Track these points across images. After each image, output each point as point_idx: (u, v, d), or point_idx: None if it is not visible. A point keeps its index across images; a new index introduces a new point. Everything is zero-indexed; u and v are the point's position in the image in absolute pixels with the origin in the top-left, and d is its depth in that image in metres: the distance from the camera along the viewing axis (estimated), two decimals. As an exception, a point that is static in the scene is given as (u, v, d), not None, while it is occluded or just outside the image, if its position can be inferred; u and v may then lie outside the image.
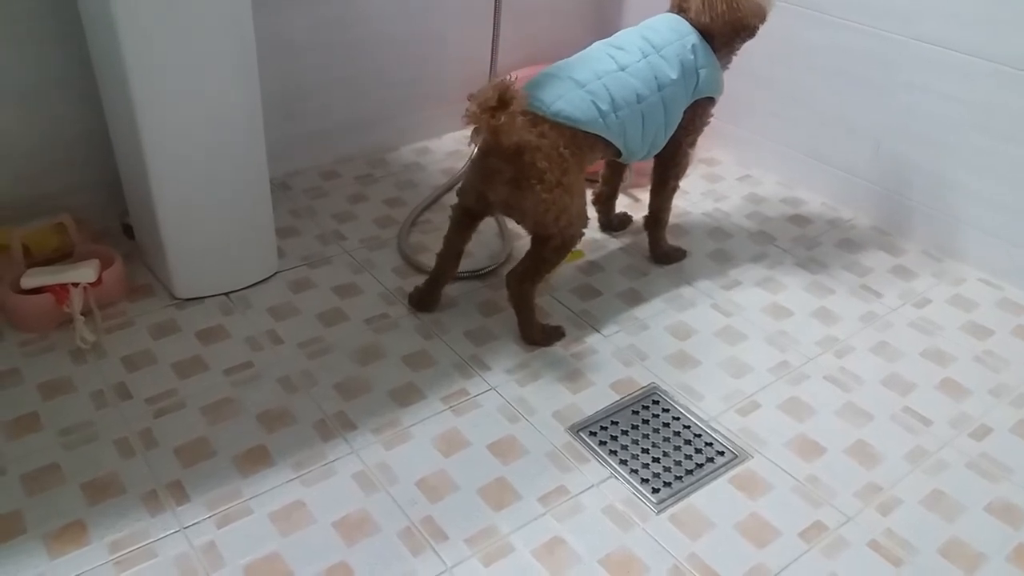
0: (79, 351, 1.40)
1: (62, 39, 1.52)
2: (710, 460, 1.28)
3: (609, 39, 1.49)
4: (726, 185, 2.03)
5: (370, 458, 1.24)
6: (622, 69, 1.42)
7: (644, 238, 1.73)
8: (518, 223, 1.41)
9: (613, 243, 1.79)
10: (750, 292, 1.66)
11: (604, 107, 1.38)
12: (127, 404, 1.31)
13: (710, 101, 1.56)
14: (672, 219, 1.72)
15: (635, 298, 1.62)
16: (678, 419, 1.35)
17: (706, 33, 1.50)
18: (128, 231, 1.66)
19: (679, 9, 1.52)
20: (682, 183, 1.66)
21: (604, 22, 2.32)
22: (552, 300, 1.60)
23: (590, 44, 1.49)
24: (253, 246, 1.56)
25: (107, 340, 1.43)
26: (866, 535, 1.18)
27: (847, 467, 1.28)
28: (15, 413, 1.28)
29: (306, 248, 1.71)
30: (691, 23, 1.50)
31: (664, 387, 1.41)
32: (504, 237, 1.76)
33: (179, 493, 1.17)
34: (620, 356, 1.47)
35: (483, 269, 1.66)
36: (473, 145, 1.30)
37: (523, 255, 1.44)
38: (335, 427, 1.29)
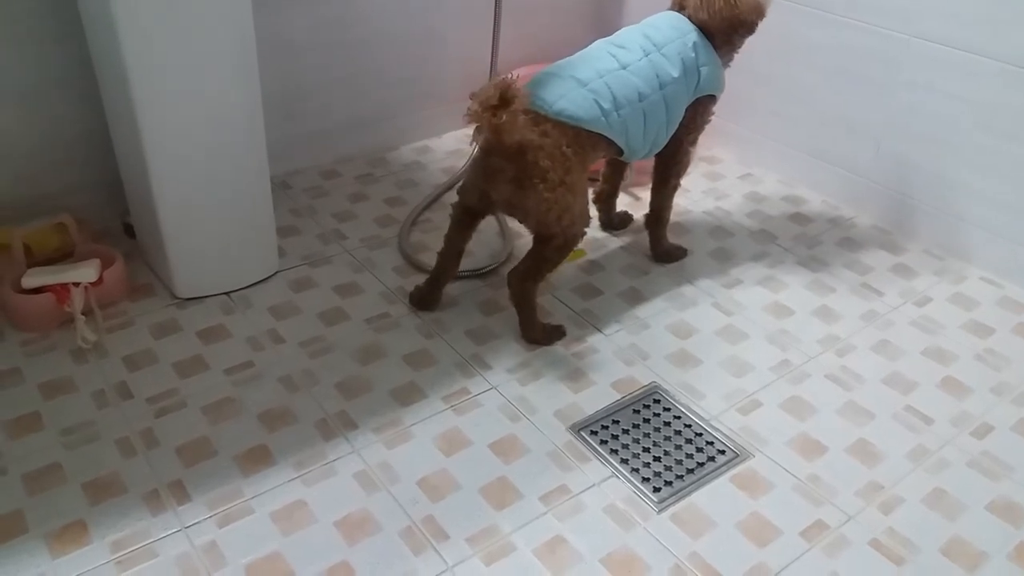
0: (80, 351, 1.40)
1: (62, 39, 1.52)
2: (711, 459, 1.28)
3: (610, 37, 1.49)
4: (727, 183, 2.03)
5: (371, 457, 1.24)
6: (624, 67, 1.42)
7: (645, 237, 1.72)
8: (520, 222, 1.40)
9: (614, 242, 1.79)
10: (751, 291, 1.66)
11: (606, 106, 1.38)
12: (128, 404, 1.31)
13: (711, 99, 1.56)
14: (673, 217, 1.72)
15: (636, 297, 1.62)
16: (679, 418, 1.35)
17: (706, 31, 1.49)
18: (129, 230, 1.66)
19: (679, 7, 1.52)
20: (683, 181, 1.66)
21: (604, 20, 2.32)
22: (553, 299, 1.60)
23: (590, 43, 1.48)
24: (254, 245, 1.56)
25: (108, 340, 1.43)
26: (867, 534, 1.18)
27: (848, 466, 1.28)
28: (16, 413, 1.28)
29: (307, 247, 1.71)
30: (692, 21, 1.49)
31: (665, 386, 1.41)
32: (505, 236, 1.76)
33: (180, 493, 1.17)
34: (621, 355, 1.47)
35: (484, 268, 1.66)
36: (474, 144, 1.30)
37: (524, 254, 1.44)
38: (336, 426, 1.29)
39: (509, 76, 1.22)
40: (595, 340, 1.50)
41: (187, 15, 1.28)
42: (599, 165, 1.71)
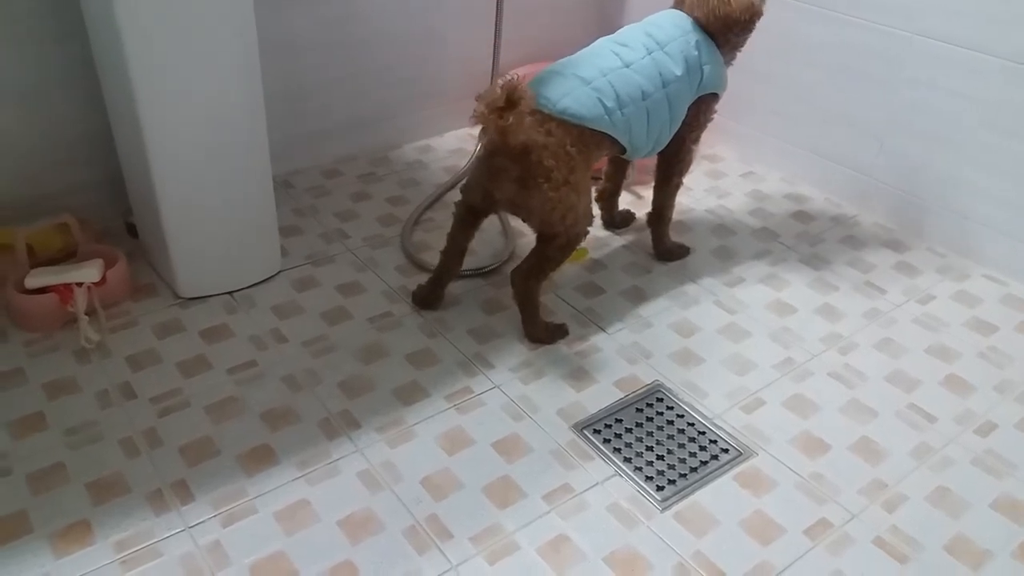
0: (83, 351, 1.40)
1: (64, 38, 1.52)
2: (714, 457, 1.28)
3: (613, 36, 1.48)
4: (729, 182, 2.03)
5: (374, 456, 1.25)
6: (627, 66, 1.42)
7: (647, 235, 1.72)
8: (524, 221, 1.40)
9: (616, 240, 1.79)
10: (754, 289, 1.65)
11: (610, 104, 1.38)
12: (132, 403, 1.31)
13: (714, 97, 1.55)
14: (675, 216, 1.72)
15: (639, 295, 1.62)
16: (682, 416, 1.35)
17: (707, 29, 1.49)
18: (132, 230, 1.66)
19: (682, 5, 1.52)
20: (685, 179, 1.65)
21: (606, 19, 2.32)
22: (556, 298, 1.60)
23: (592, 41, 1.48)
24: (256, 245, 1.56)
25: (111, 340, 1.43)
26: (871, 532, 1.18)
27: (852, 464, 1.28)
28: (20, 413, 1.28)
29: (309, 247, 1.71)
30: (694, 19, 1.49)
31: (668, 385, 1.41)
32: (507, 235, 1.76)
33: (184, 492, 1.17)
34: (624, 354, 1.47)
35: (486, 267, 1.66)
36: (479, 144, 1.30)
37: (527, 253, 1.44)
38: (339, 426, 1.29)
39: (515, 77, 1.22)
40: (598, 339, 1.50)
41: (189, 15, 1.28)
42: (602, 163, 1.71)
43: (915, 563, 1.14)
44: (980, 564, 1.14)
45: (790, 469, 1.27)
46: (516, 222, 1.77)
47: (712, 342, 1.51)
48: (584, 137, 1.37)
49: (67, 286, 1.43)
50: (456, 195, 1.49)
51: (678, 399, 1.38)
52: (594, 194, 1.75)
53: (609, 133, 1.40)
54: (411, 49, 2.01)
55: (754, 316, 1.58)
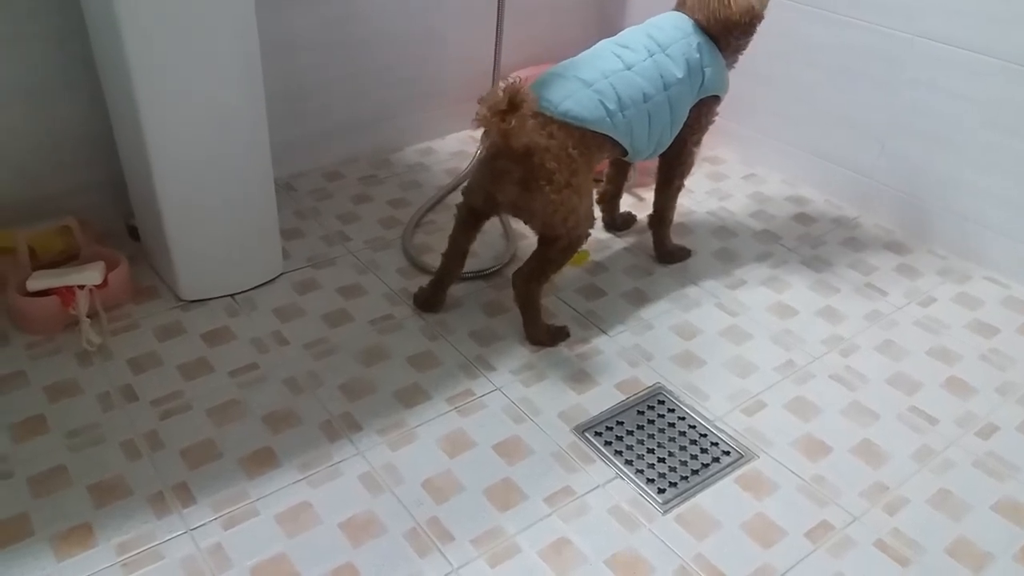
0: (85, 353, 1.41)
1: (65, 40, 1.52)
2: (716, 460, 1.28)
3: (615, 38, 1.48)
4: (730, 184, 2.03)
5: (376, 459, 1.25)
6: (628, 68, 1.42)
7: (648, 237, 1.72)
8: (526, 223, 1.40)
9: (618, 243, 1.79)
10: (755, 291, 1.65)
11: (611, 106, 1.38)
12: (133, 406, 1.31)
13: (715, 100, 1.55)
14: (676, 218, 1.72)
15: (640, 298, 1.62)
16: (683, 419, 1.35)
17: (708, 31, 1.49)
18: (133, 233, 1.66)
19: (683, 7, 1.52)
20: (686, 182, 1.65)
21: (607, 21, 2.32)
22: (557, 300, 1.60)
23: (593, 43, 1.48)
24: (258, 247, 1.56)
25: (113, 342, 1.44)
26: (872, 535, 1.18)
27: (853, 466, 1.28)
28: (22, 415, 1.29)
29: (311, 249, 1.71)
30: (695, 22, 1.49)
31: (669, 387, 1.41)
32: (509, 237, 1.76)
33: (185, 495, 1.17)
34: (625, 356, 1.47)
35: (488, 269, 1.66)
36: (481, 147, 1.30)
37: (529, 255, 1.44)
38: (341, 428, 1.30)
39: (517, 80, 1.22)
40: (599, 341, 1.50)
41: (190, 16, 1.28)
42: (603, 166, 1.71)
43: (916, 566, 1.14)
44: (981, 567, 1.14)
45: (791, 472, 1.27)
46: (517, 224, 1.77)
47: (713, 344, 1.51)
48: (586, 139, 1.37)
49: (69, 288, 1.43)
50: (457, 197, 1.49)
51: (679, 401, 1.38)
52: (595, 196, 1.75)
53: (611, 135, 1.40)
54: (412, 51, 2.01)
55: (755, 318, 1.58)
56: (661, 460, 1.27)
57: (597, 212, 1.71)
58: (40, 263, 1.51)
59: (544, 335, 1.48)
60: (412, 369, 1.42)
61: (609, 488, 1.23)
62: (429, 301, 1.55)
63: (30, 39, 1.49)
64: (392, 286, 1.62)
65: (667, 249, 1.72)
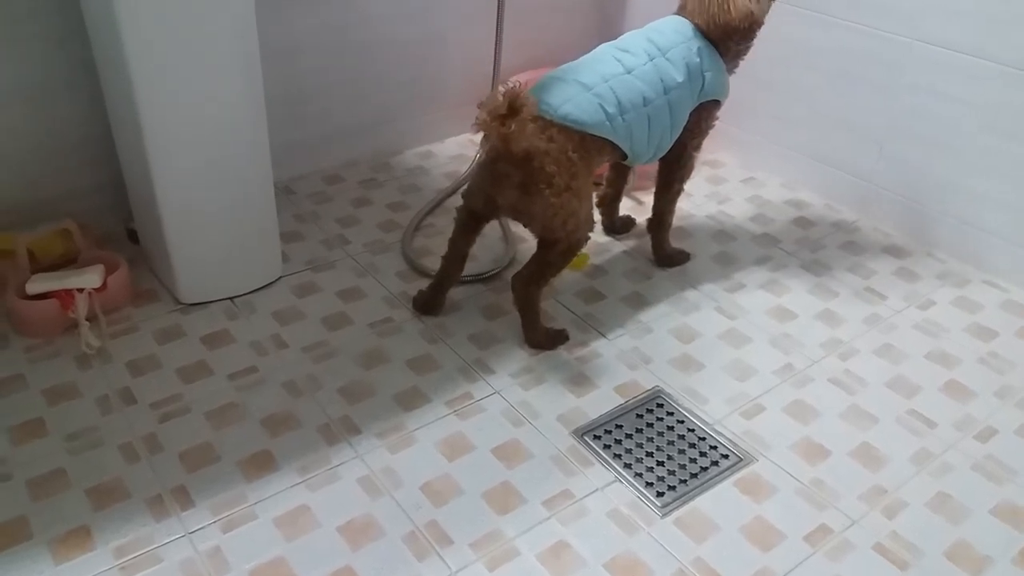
0: (84, 356, 1.41)
1: (65, 42, 1.52)
2: (714, 463, 1.28)
3: (615, 41, 1.49)
4: (730, 187, 2.03)
5: (375, 462, 1.25)
6: (628, 72, 1.42)
7: (648, 241, 1.73)
8: (525, 227, 1.41)
9: (617, 246, 1.79)
10: (754, 295, 1.65)
11: (611, 110, 1.38)
12: (132, 409, 1.31)
13: (715, 104, 1.56)
14: (676, 221, 1.72)
15: (639, 301, 1.62)
16: (682, 422, 1.35)
17: (708, 35, 1.49)
18: (133, 236, 1.66)
19: (684, 11, 1.52)
20: (686, 185, 1.65)
21: (607, 25, 2.32)
22: (556, 303, 1.60)
23: (593, 47, 1.49)
24: (257, 251, 1.56)
25: (112, 345, 1.44)
26: (871, 538, 1.18)
27: (852, 470, 1.28)
28: (20, 419, 1.29)
29: (310, 252, 1.71)
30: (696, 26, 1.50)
31: (668, 390, 1.41)
32: (508, 241, 1.76)
33: (184, 498, 1.17)
34: (624, 359, 1.47)
35: (487, 273, 1.66)
36: (480, 150, 1.31)
37: (528, 258, 1.44)
38: (340, 431, 1.30)
39: (517, 85, 1.22)
40: (598, 344, 1.50)
41: (190, 19, 1.29)
42: (603, 169, 1.71)
43: (915, 569, 1.14)
44: (980, 570, 1.14)
45: (790, 475, 1.27)
46: (517, 227, 1.77)
47: (712, 348, 1.51)
48: (585, 143, 1.37)
49: (68, 292, 1.43)
50: (457, 200, 1.49)
51: (678, 405, 1.38)
52: (595, 200, 1.76)
53: (610, 139, 1.40)
54: (412, 54, 2.02)
55: (754, 322, 1.58)
56: (660, 463, 1.27)
57: (597, 216, 1.71)
58: (39, 266, 1.51)
59: (543, 338, 1.48)
60: (411, 372, 1.42)
61: (608, 491, 1.23)
62: (428, 304, 1.55)
63: (30, 41, 1.50)
64: (391, 289, 1.62)
65: (666, 253, 1.72)
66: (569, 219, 1.36)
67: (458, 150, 2.13)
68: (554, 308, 1.59)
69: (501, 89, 1.22)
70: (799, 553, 1.15)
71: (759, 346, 1.52)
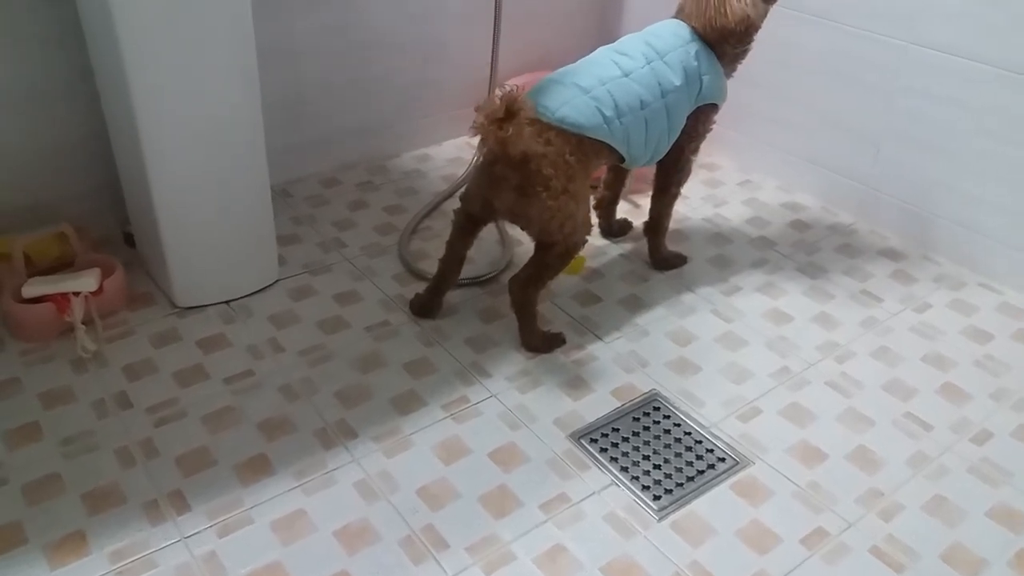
0: (80, 360, 1.40)
1: (63, 46, 1.52)
2: (711, 467, 1.28)
3: (613, 45, 1.49)
4: (726, 190, 2.03)
5: (371, 466, 1.24)
6: (626, 75, 1.42)
7: (644, 244, 1.73)
8: (523, 229, 1.41)
9: (614, 249, 1.79)
10: (750, 297, 1.66)
11: (608, 113, 1.38)
12: (128, 413, 1.31)
13: (713, 108, 1.56)
14: (672, 224, 1.72)
15: (636, 304, 1.62)
16: (679, 426, 1.35)
17: (706, 39, 1.50)
18: (129, 239, 1.66)
19: (683, 15, 1.52)
20: (682, 189, 1.66)
21: (604, 28, 2.32)
22: (553, 306, 1.60)
23: (591, 50, 1.49)
24: (254, 254, 1.56)
25: (108, 349, 1.43)
26: (868, 541, 1.18)
27: (848, 473, 1.28)
28: (16, 423, 1.28)
29: (307, 256, 1.71)
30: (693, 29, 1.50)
31: (665, 393, 1.41)
32: (505, 244, 1.76)
33: (180, 502, 1.17)
34: (621, 362, 1.47)
35: (484, 276, 1.66)
36: (478, 153, 1.31)
37: (525, 261, 1.44)
38: (336, 435, 1.29)
39: (514, 88, 1.22)
40: (595, 347, 1.50)
41: (187, 23, 1.29)
42: (600, 172, 1.71)
43: (911, 572, 1.14)
44: (976, 573, 1.14)
45: (787, 478, 1.27)
46: (514, 230, 1.77)
47: (709, 351, 1.51)
48: (583, 146, 1.37)
49: (64, 295, 1.43)
50: (454, 203, 1.49)
51: (675, 408, 1.38)
52: (592, 202, 1.76)
53: (607, 142, 1.40)
54: (409, 57, 2.02)
55: (751, 325, 1.58)
56: (656, 467, 1.27)
57: (594, 218, 1.71)
58: (36, 270, 1.51)
59: (540, 341, 1.48)
60: (408, 376, 1.42)
61: (604, 495, 1.23)
62: (425, 307, 1.55)
63: (28, 45, 1.49)
64: (388, 292, 1.62)
65: (662, 256, 1.72)
66: (566, 222, 1.36)
67: (455, 153, 2.13)
68: (551, 311, 1.59)
69: (498, 93, 1.22)
70: (796, 556, 1.15)
71: (755, 349, 1.52)
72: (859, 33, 1.78)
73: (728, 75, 1.56)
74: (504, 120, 1.21)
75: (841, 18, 1.80)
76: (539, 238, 1.40)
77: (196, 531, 1.13)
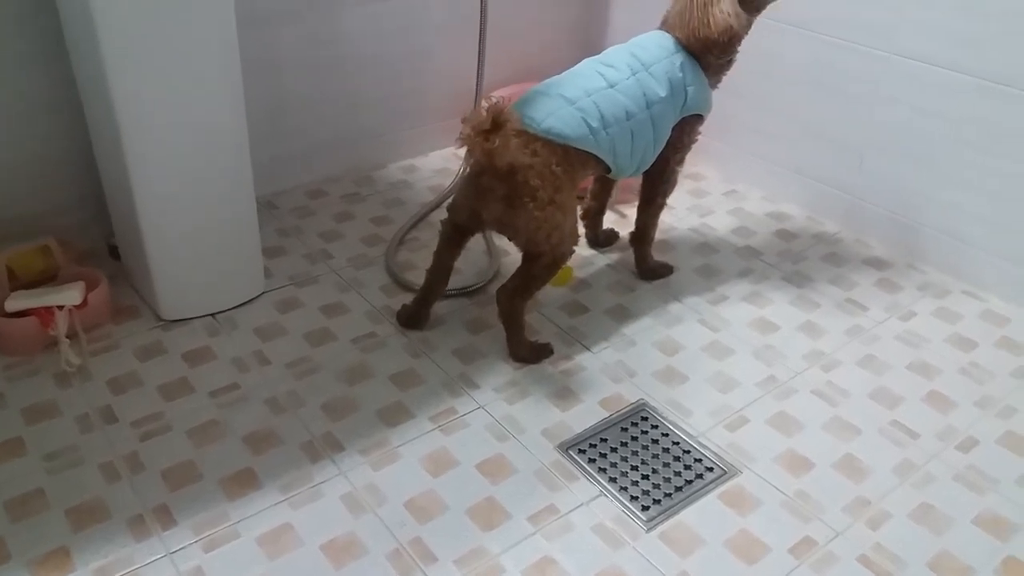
0: (64, 374, 1.39)
1: (47, 59, 1.52)
2: (699, 476, 1.28)
3: (598, 56, 1.50)
4: (712, 200, 2.04)
5: (358, 479, 1.24)
6: (611, 86, 1.43)
7: (631, 254, 1.73)
8: (510, 240, 1.41)
9: (600, 259, 1.79)
10: (737, 307, 1.66)
11: (594, 124, 1.39)
12: (112, 428, 1.30)
13: (698, 119, 1.57)
14: (658, 234, 1.73)
15: (623, 314, 1.63)
16: (667, 435, 1.35)
17: (691, 50, 1.50)
18: (114, 252, 1.65)
19: (668, 26, 1.53)
20: (668, 199, 1.66)
21: (590, 40, 2.34)
22: (540, 317, 1.60)
23: (576, 62, 1.49)
24: (240, 266, 1.55)
25: (92, 363, 1.42)
26: (855, 550, 1.18)
27: (835, 482, 1.29)
28: (-1, 438, 1.27)
29: (293, 267, 1.70)
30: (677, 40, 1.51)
31: (653, 403, 1.41)
32: (492, 254, 1.76)
33: (165, 517, 1.16)
34: (608, 372, 1.47)
35: (471, 287, 1.66)
36: (465, 165, 1.31)
37: (512, 272, 1.44)
38: (322, 448, 1.29)
39: (500, 100, 1.23)
40: (582, 358, 1.50)
41: (171, 35, 1.28)
42: (587, 183, 1.72)
43: (899, 581, 1.14)
44: (963, 581, 1.15)
45: (774, 487, 1.27)
46: (501, 241, 1.77)
47: (696, 360, 1.52)
48: (569, 157, 1.38)
49: (48, 309, 1.41)
50: (441, 214, 1.49)
51: (663, 417, 1.38)
52: (579, 213, 1.76)
53: (594, 152, 1.41)
54: (395, 69, 2.02)
55: (737, 334, 1.59)
56: (645, 477, 1.27)
57: (580, 229, 1.72)
58: (19, 283, 1.49)
59: (527, 352, 1.48)
60: (395, 388, 1.41)
61: (593, 506, 1.22)
62: (413, 318, 1.54)
63: (10, 57, 1.49)
64: (375, 304, 1.61)
65: (649, 266, 1.72)
66: (553, 232, 1.37)
67: (442, 164, 2.14)
68: (538, 321, 1.59)
69: (485, 104, 1.22)
70: (784, 566, 1.15)
71: (742, 358, 1.53)
72: (841, 44, 1.80)
73: (713, 86, 1.57)
74: (491, 132, 1.21)
75: (823, 29, 1.82)
76: (526, 249, 1.40)
77: (182, 546, 1.12)
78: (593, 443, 1.33)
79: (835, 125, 1.87)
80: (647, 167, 1.56)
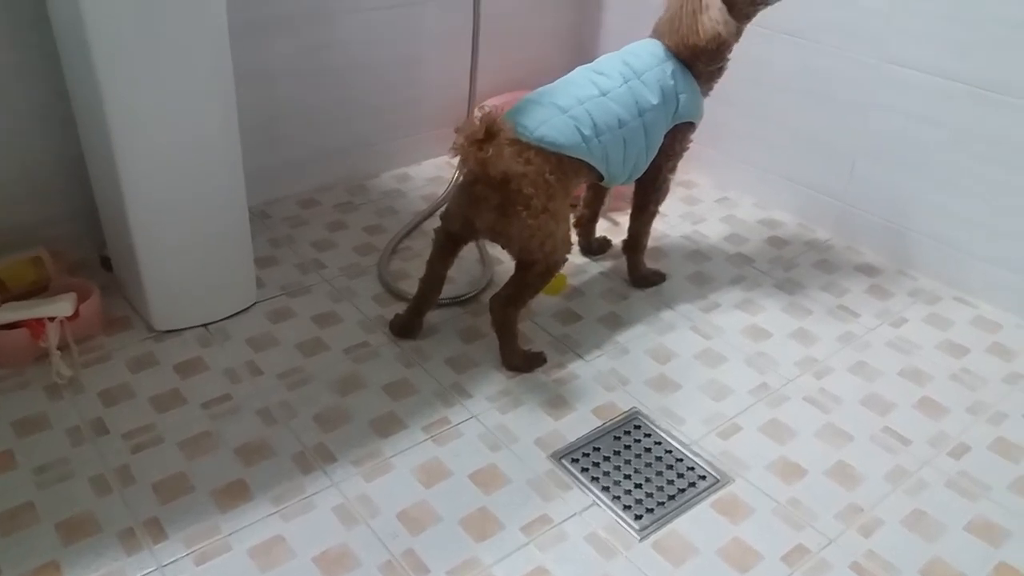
0: (55, 386, 1.39)
1: (39, 69, 1.51)
2: (692, 485, 1.28)
3: (591, 64, 1.50)
4: (704, 207, 2.04)
5: (350, 490, 1.23)
6: (604, 94, 1.43)
7: (624, 262, 1.73)
8: (503, 248, 1.41)
9: (593, 267, 1.79)
10: (729, 314, 1.67)
11: (587, 132, 1.39)
12: (104, 440, 1.29)
13: (690, 127, 1.57)
14: (651, 242, 1.73)
15: (616, 322, 1.63)
16: (659, 444, 1.35)
17: (682, 58, 1.51)
18: (106, 263, 1.65)
19: (659, 34, 1.54)
20: (660, 207, 1.67)
21: (582, 48, 2.34)
22: (533, 325, 1.60)
23: (568, 70, 1.50)
24: (232, 277, 1.55)
25: (84, 374, 1.42)
26: (848, 557, 1.18)
27: (828, 489, 1.29)
28: (-11, 451, 1.26)
29: (285, 277, 1.70)
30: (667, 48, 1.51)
31: (645, 411, 1.41)
32: (485, 263, 1.76)
33: (156, 530, 1.16)
34: (601, 381, 1.47)
35: (464, 295, 1.66)
36: (458, 173, 1.31)
37: (505, 281, 1.44)
38: (315, 459, 1.28)
39: (493, 108, 1.23)
40: (575, 366, 1.50)
41: (163, 46, 1.28)
42: (580, 191, 1.72)
43: (892, 588, 1.14)
44: (956, 588, 1.15)
45: (767, 495, 1.27)
46: (494, 250, 1.77)
47: (688, 368, 1.52)
48: (562, 165, 1.38)
49: (39, 321, 1.41)
50: (434, 223, 1.49)
51: (655, 426, 1.38)
52: (572, 221, 1.76)
53: (587, 160, 1.41)
54: (388, 77, 2.02)
55: (730, 341, 1.59)
56: (638, 486, 1.27)
57: (574, 237, 1.72)
58: (10, 295, 1.49)
59: (521, 361, 1.48)
60: (387, 398, 1.41)
61: (586, 515, 1.22)
62: (406, 327, 1.54)
63: (4, 70, 1.48)
64: (368, 313, 1.61)
65: (641, 273, 1.73)
66: (547, 240, 1.37)
67: (435, 172, 2.14)
68: (531, 330, 1.59)
69: (478, 113, 1.23)
70: (777, 574, 1.15)
71: (734, 365, 1.53)
72: (832, 51, 1.81)
73: (705, 93, 1.57)
74: (484, 141, 1.22)
75: (814, 36, 1.83)
76: (519, 257, 1.40)
77: (173, 559, 1.12)
78: (586, 452, 1.32)
79: (826, 132, 1.88)
80: (639, 175, 1.56)
